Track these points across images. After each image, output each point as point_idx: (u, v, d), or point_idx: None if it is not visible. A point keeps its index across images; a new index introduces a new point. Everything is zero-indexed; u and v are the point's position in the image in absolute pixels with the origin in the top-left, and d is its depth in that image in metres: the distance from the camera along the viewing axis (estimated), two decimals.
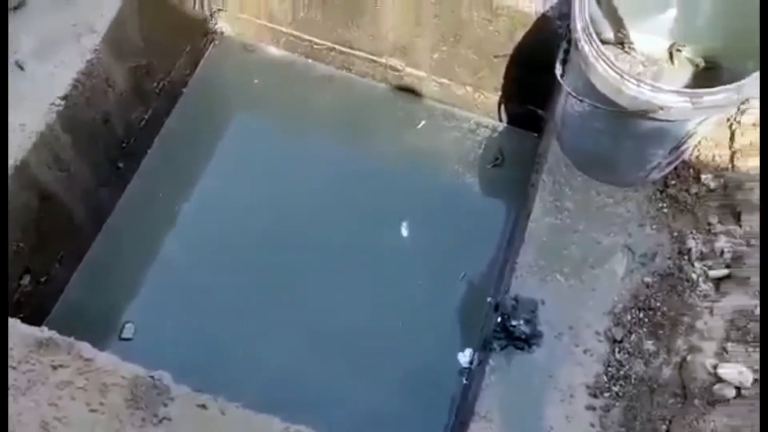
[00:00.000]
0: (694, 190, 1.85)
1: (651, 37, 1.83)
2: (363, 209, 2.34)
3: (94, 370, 1.59)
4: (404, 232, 2.33)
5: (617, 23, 1.80)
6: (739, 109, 1.86)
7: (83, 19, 2.01)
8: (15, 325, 1.64)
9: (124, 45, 2.11)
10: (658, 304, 1.73)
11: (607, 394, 1.65)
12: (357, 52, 2.49)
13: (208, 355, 2.08)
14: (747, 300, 1.63)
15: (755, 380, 1.53)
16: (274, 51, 2.60)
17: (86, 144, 2.05)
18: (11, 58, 1.93)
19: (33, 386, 1.57)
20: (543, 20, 2.10)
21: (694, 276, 1.73)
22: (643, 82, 1.54)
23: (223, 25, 2.59)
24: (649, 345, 1.68)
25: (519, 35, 2.18)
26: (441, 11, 2.23)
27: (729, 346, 1.59)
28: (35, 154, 1.87)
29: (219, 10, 2.55)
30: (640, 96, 1.55)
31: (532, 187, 2.06)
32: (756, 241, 1.71)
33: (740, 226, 1.75)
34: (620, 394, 1.64)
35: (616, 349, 1.69)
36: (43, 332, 1.65)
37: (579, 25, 1.61)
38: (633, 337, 1.70)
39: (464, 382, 2.05)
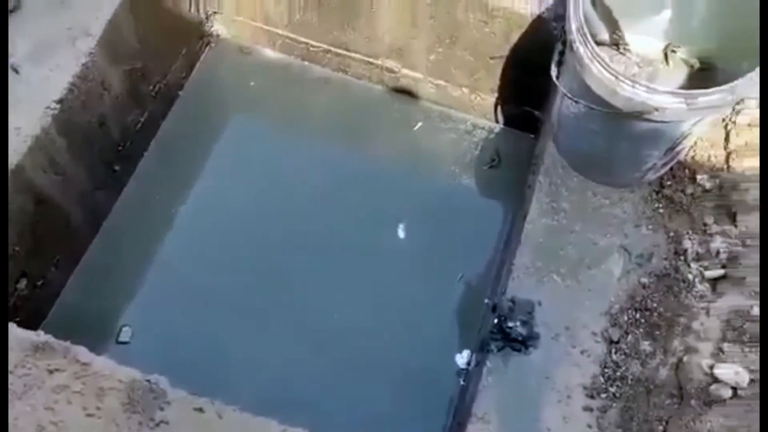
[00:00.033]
0: (689, 190, 1.85)
1: (646, 38, 1.83)
2: (360, 211, 2.34)
3: (91, 374, 1.58)
4: (401, 233, 2.33)
5: (612, 24, 1.80)
6: (734, 110, 1.86)
7: (78, 23, 2.01)
8: (11, 329, 1.64)
9: (119, 48, 2.11)
10: (655, 304, 1.73)
11: (604, 395, 1.65)
12: (353, 54, 2.49)
13: (206, 357, 2.08)
14: (743, 300, 1.64)
15: (752, 380, 1.53)
16: (270, 53, 2.60)
17: (82, 147, 2.05)
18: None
19: (29, 390, 1.56)
20: (539, 22, 2.11)
21: (690, 276, 1.73)
22: (638, 84, 1.55)
23: (219, 27, 2.59)
24: (645, 346, 1.68)
25: (515, 37, 2.18)
26: (437, 13, 2.23)
27: (725, 346, 1.59)
28: (30, 157, 1.87)
29: (215, 12, 2.55)
30: (635, 97, 1.55)
31: (529, 189, 2.07)
32: (752, 241, 1.72)
33: (736, 226, 1.75)
34: (617, 394, 1.64)
35: (613, 350, 1.69)
36: (39, 336, 1.65)
37: (574, 27, 1.61)
38: (630, 337, 1.70)
39: (462, 383, 2.06)
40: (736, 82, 1.53)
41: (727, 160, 1.85)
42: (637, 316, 1.72)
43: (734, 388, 1.53)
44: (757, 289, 1.63)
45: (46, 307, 2.10)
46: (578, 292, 1.77)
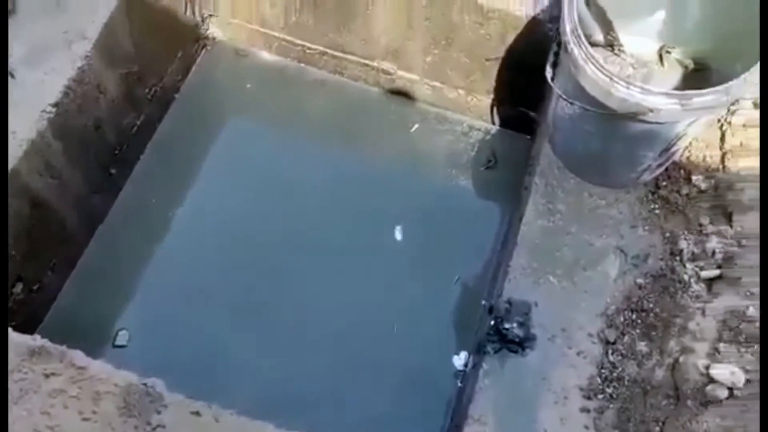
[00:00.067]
0: (685, 191, 1.85)
1: (640, 39, 1.83)
2: (357, 213, 2.34)
3: (87, 378, 1.58)
4: (398, 235, 2.33)
5: (607, 26, 1.81)
6: (729, 110, 1.87)
7: (74, 26, 2.01)
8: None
9: (115, 51, 2.11)
10: (651, 305, 1.73)
11: (600, 396, 1.65)
12: (349, 56, 2.49)
13: (204, 360, 2.08)
14: (738, 300, 1.64)
15: (747, 381, 1.54)
16: (266, 56, 2.60)
17: (78, 151, 2.05)
18: None
19: (25, 395, 1.56)
20: (534, 23, 2.11)
21: (686, 277, 1.73)
22: (632, 85, 1.55)
23: (215, 30, 2.60)
24: (641, 346, 1.68)
25: (510, 38, 2.19)
26: (432, 14, 2.23)
27: (721, 346, 1.59)
28: (26, 161, 1.87)
29: (210, 15, 2.55)
30: (629, 98, 1.55)
31: (525, 190, 2.07)
32: (747, 242, 1.72)
33: (731, 226, 1.76)
34: (614, 395, 1.64)
35: (610, 351, 1.69)
36: (36, 340, 1.65)
37: (568, 28, 1.62)
38: (626, 338, 1.70)
39: (459, 385, 2.06)
40: (730, 83, 1.53)
41: (722, 161, 1.85)
42: (633, 316, 1.73)
43: (730, 389, 1.53)
44: (753, 290, 1.63)
45: (43, 311, 2.10)
46: (574, 293, 1.78)
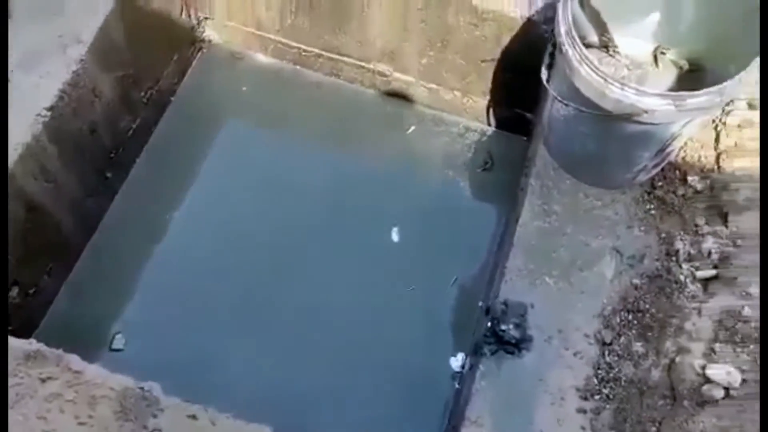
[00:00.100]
0: (680, 191, 1.86)
1: (635, 40, 1.84)
2: (354, 215, 2.34)
3: (83, 382, 1.58)
4: (395, 237, 2.33)
5: (601, 27, 1.81)
6: (723, 111, 1.87)
7: (69, 30, 2.01)
8: None
9: (110, 55, 2.11)
10: (647, 305, 1.73)
11: (597, 397, 1.65)
12: (345, 58, 2.50)
13: (201, 363, 2.07)
14: (734, 300, 1.64)
15: (744, 380, 1.54)
16: (262, 58, 2.60)
17: (73, 155, 2.05)
18: None
19: (21, 399, 1.56)
20: (529, 24, 2.11)
21: (681, 277, 1.74)
22: (626, 86, 1.55)
23: (210, 33, 2.60)
24: (638, 347, 1.69)
25: (505, 40, 2.19)
26: (428, 16, 2.23)
27: (717, 346, 1.59)
28: (21, 165, 1.86)
29: (206, 18, 2.55)
30: (624, 99, 1.55)
31: (521, 191, 2.07)
32: (743, 242, 1.72)
33: (726, 226, 1.76)
34: (610, 396, 1.65)
35: (606, 352, 1.69)
36: (32, 345, 1.64)
37: (563, 30, 1.62)
38: (622, 339, 1.70)
39: (456, 386, 2.05)
40: (724, 84, 1.53)
41: (717, 161, 1.86)
42: (630, 317, 1.73)
43: (726, 389, 1.53)
44: (749, 290, 1.64)
45: (39, 315, 2.10)
46: (571, 294, 1.78)
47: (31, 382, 1.58)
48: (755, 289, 1.63)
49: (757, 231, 1.70)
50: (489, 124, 2.51)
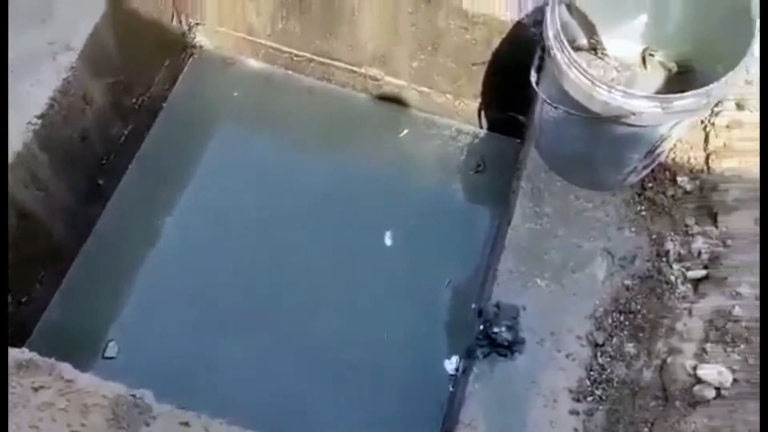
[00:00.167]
0: (670, 192, 1.86)
1: (624, 42, 1.85)
2: (347, 219, 2.35)
3: (75, 390, 1.58)
4: (388, 241, 2.33)
5: (590, 30, 1.82)
6: (712, 112, 1.88)
7: (59, 37, 2.01)
8: None
9: (101, 61, 2.10)
10: (638, 306, 1.74)
11: (590, 398, 1.66)
12: (336, 63, 2.50)
13: (195, 370, 2.07)
14: (724, 300, 1.65)
15: (735, 380, 1.54)
16: (253, 63, 2.60)
17: (64, 162, 2.04)
18: None
19: (14, 409, 1.55)
20: (519, 27, 2.12)
21: (672, 278, 1.75)
22: (614, 89, 1.56)
23: (201, 38, 2.60)
24: (630, 348, 1.69)
25: (496, 43, 2.20)
26: (418, 20, 2.24)
27: (708, 346, 1.60)
28: (12, 173, 1.85)
29: (197, 23, 2.55)
30: (612, 102, 1.56)
31: (513, 194, 2.08)
32: (732, 242, 1.73)
33: (716, 227, 1.77)
34: (603, 397, 1.65)
35: (598, 353, 1.70)
36: (24, 354, 1.64)
37: (551, 33, 1.63)
38: (614, 340, 1.71)
39: (450, 389, 2.06)
40: (711, 85, 1.54)
41: (706, 162, 1.87)
42: (621, 318, 1.73)
43: (717, 389, 1.54)
44: (738, 289, 1.65)
45: (31, 323, 2.09)
46: (562, 296, 1.78)
47: (23, 391, 1.58)
48: (745, 289, 1.64)
49: (746, 231, 1.72)
50: (481, 127, 2.52)
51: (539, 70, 1.78)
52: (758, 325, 1.58)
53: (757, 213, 1.73)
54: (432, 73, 2.40)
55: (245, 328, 2.15)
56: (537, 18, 2.05)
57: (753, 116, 1.86)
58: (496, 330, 1.73)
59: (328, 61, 2.50)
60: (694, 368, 1.57)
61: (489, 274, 2.03)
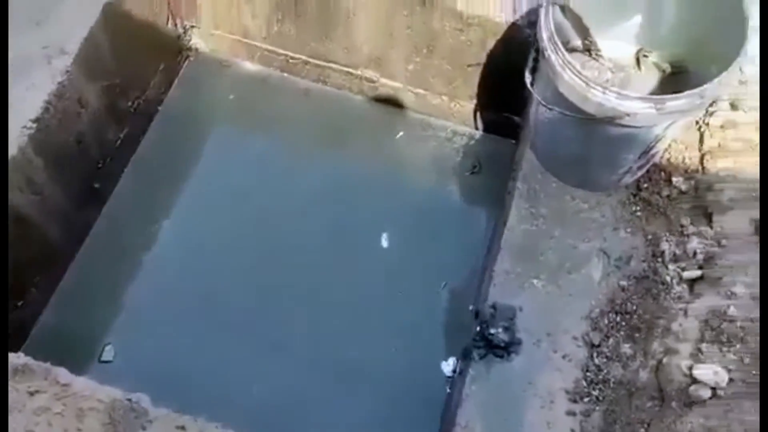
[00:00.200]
0: (665, 192, 1.87)
1: (618, 43, 1.85)
2: (343, 221, 2.35)
3: (71, 395, 1.57)
4: (384, 243, 2.33)
5: (584, 31, 1.83)
6: (707, 112, 1.89)
7: (54, 41, 2.01)
8: None
9: (96, 65, 2.10)
10: (634, 307, 1.74)
11: (586, 399, 1.66)
12: (332, 65, 2.50)
13: (191, 374, 2.07)
14: (720, 300, 1.65)
15: (730, 380, 1.54)
16: (249, 66, 2.60)
17: (60, 166, 2.04)
18: None
19: (10, 413, 1.55)
20: (514, 29, 2.13)
21: (668, 278, 1.75)
22: (608, 90, 1.56)
23: (197, 41, 2.60)
24: (626, 348, 1.69)
25: (491, 44, 2.20)
26: (413, 22, 2.24)
27: (704, 347, 1.60)
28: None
29: (193, 26, 2.56)
30: (606, 103, 1.57)
31: (509, 195, 2.08)
32: (727, 242, 1.73)
33: (711, 227, 1.77)
34: (600, 398, 1.65)
35: (594, 354, 1.70)
36: (19, 358, 1.64)
37: (545, 35, 1.63)
38: (610, 341, 1.71)
39: (448, 391, 2.06)
40: (705, 86, 1.55)
41: (701, 162, 1.87)
42: (618, 319, 1.74)
43: (713, 389, 1.54)
44: (733, 289, 1.65)
45: (27, 327, 2.08)
46: (559, 297, 1.79)
47: (19, 396, 1.57)
48: (740, 289, 1.64)
49: (741, 231, 1.72)
50: (477, 128, 2.53)
51: (534, 71, 1.78)
52: (753, 324, 1.58)
53: (751, 213, 1.73)
54: (427, 75, 2.40)
55: (242, 331, 2.15)
56: (531, 19, 2.06)
57: (747, 116, 1.87)
58: (492, 331, 1.73)
59: (324, 63, 2.51)
60: (690, 368, 1.57)
61: (485, 276, 2.03)
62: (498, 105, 2.41)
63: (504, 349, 1.72)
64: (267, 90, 2.58)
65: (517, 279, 1.82)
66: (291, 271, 2.25)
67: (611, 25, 1.83)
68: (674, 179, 1.87)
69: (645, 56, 1.85)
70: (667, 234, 1.82)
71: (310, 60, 2.52)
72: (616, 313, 1.75)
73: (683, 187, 1.85)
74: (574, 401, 1.65)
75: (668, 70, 1.84)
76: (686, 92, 1.53)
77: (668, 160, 1.90)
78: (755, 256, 1.67)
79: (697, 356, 1.59)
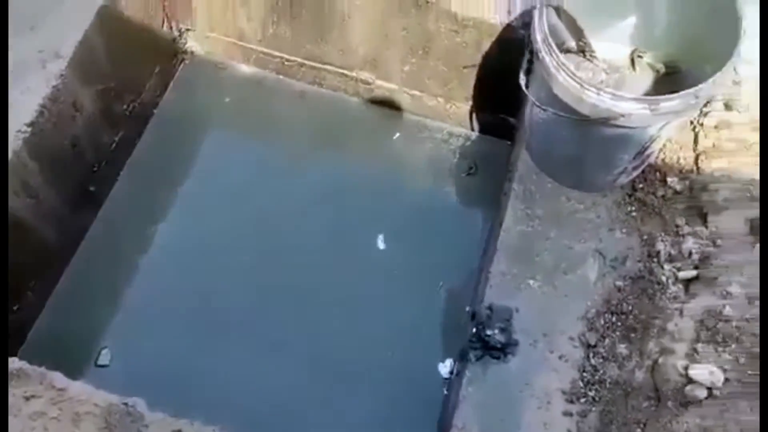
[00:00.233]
0: (660, 193, 1.87)
1: (612, 44, 1.86)
2: (340, 224, 2.35)
3: (67, 399, 1.57)
4: (381, 244, 2.33)
5: (578, 32, 1.83)
6: (701, 112, 1.89)
7: (48, 45, 2.01)
8: None
9: (91, 68, 2.10)
10: (630, 307, 1.75)
11: (583, 400, 1.66)
12: (327, 67, 2.50)
13: (188, 377, 2.06)
14: (715, 300, 1.65)
15: (726, 380, 1.55)
16: (244, 68, 2.60)
17: (55, 169, 2.04)
18: None
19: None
20: (509, 30, 2.13)
21: (663, 278, 1.75)
22: (602, 91, 1.57)
23: (192, 44, 2.60)
24: (622, 348, 1.70)
25: (486, 45, 2.21)
26: (408, 24, 2.25)
27: (699, 347, 1.60)
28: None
29: (188, 29, 2.55)
30: (600, 104, 1.57)
31: (504, 196, 2.08)
32: (722, 242, 1.74)
33: (706, 227, 1.78)
34: (596, 398, 1.66)
35: (591, 354, 1.71)
36: (14, 363, 1.63)
37: (539, 37, 1.63)
38: (607, 341, 1.71)
39: (445, 393, 2.06)
40: (699, 86, 1.55)
41: (696, 162, 1.88)
42: (613, 319, 1.74)
43: (709, 389, 1.54)
44: (729, 289, 1.65)
45: (23, 331, 2.08)
46: (555, 297, 1.79)
47: (14, 400, 1.57)
48: (735, 289, 1.65)
49: (736, 230, 1.73)
50: (472, 129, 2.53)
51: (528, 72, 1.79)
52: (749, 324, 1.59)
53: (746, 213, 1.74)
54: (423, 77, 2.41)
55: (239, 334, 2.15)
56: (526, 20, 2.06)
57: (741, 117, 1.87)
58: (489, 332, 1.73)
59: (320, 65, 2.51)
60: (686, 368, 1.58)
61: (482, 277, 2.03)
62: (493, 106, 2.41)
63: (500, 351, 1.72)
64: (263, 92, 2.58)
65: (514, 280, 1.82)
66: (287, 273, 2.25)
67: (605, 26, 1.83)
68: (669, 179, 1.88)
69: (639, 57, 1.86)
70: (663, 234, 1.82)
71: (306, 62, 2.51)
72: (612, 314, 1.75)
73: (678, 188, 1.86)
74: (571, 402, 1.66)
75: (662, 70, 1.84)
76: (680, 93, 1.54)
77: (663, 160, 1.90)
78: (750, 256, 1.68)
79: (692, 356, 1.60)
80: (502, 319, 1.76)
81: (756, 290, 1.61)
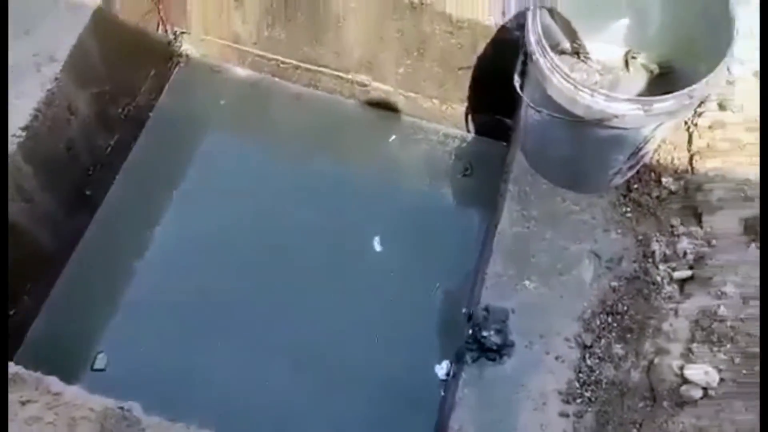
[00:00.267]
0: (655, 193, 1.88)
1: (606, 45, 1.86)
2: (336, 226, 2.35)
3: (63, 404, 1.57)
4: (377, 246, 2.33)
5: (572, 34, 1.83)
6: (695, 113, 1.90)
7: (43, 49, 2.01)
8: None
9: (86, 72, 2.10)
10: (626, 308, 1.75)
11: (579, 400, 1.66)
12: (323, 69, 2.51)
13: (185, 381, 2.06)
14: (710, 300, 1.66)
15: (721, 380, 1.55)
16: (240, 71, 2.60)
17: (50, 173, 2.04)
18: None
19: None
20: (503, 31, 2.14)
21: (658, 278, 1.76)
22: (596, 92, 1.57)
23: (187, 47, 2.60)
24: (618, 349, 1.70)
25: (481, 47, 2.21)
26: (403, 26, 2.25)
27: (694, 347, 1.61)
28: None
29: (183, 32, 2.55)
30: (594, 105, 1.58)
31: (500, 197, 2.08)
32: (717, 242, 1.74)
33: (701, 227, 1.78)
34: (592, 399, 1.66)
35: (587, 355, 1.71)
36: (10, 367, 1.63)
37: (533, 38, 1.64)
38: (602, 342, 1.72)
39: (442, 394, 2.06)
40: (693, 86, 1.56)
41: (690, 162, 1.88)
42: (609, 320, 1.74)
43: (704, 389, 1.55)
44: (723, 289, 1.65)
45: (19, 336, 2.07)
46: (551, 298, 1.79)
47: (10, 405, 1.56)
48: (730, 289, 1.65)
49: (731, 230, 1.73)
50: (468, 131, 2.53)
51: (523, 74, 1.79)
52: (744, 324, 1.59)
53: (741, 212, 1.74)
54: (418, 78, 2.41)
55: (235, 337, 2.15)
56: (521, 22, 2.06)
57: (735, 117, 1.88)
58: (485, 334, 1.73)
59: (315, 67, 2.51)
60: (681, 368, 1.58)
61: (478, 278, 2.03)
62: (489, 107, 2.42)
63: (496, 352, 1.72)
64: (258, 95, 2.58)
65: (509, 281, 1.82)
66: (283, 276, 2.25)
67: (599, 28, 1.84)
68: (664, 180, 1.88)
69: (633, 58, 1.86)
70: (658, 234, 1.83)
71: (301, 64, 2.52)
72: (608, 314, 1.75)
73: (673, 188, 1.86)
74: (567, 402, 1.66)
75: (656, 71, 1.85)
76: (674, 93, 1.54)
77: (658, 160, 1.91)
78: (745, 256, 1.68)
79: (688, 356, 1.60)
80: (498, 321, 1.76)
81: (750, 290, 1.62)
